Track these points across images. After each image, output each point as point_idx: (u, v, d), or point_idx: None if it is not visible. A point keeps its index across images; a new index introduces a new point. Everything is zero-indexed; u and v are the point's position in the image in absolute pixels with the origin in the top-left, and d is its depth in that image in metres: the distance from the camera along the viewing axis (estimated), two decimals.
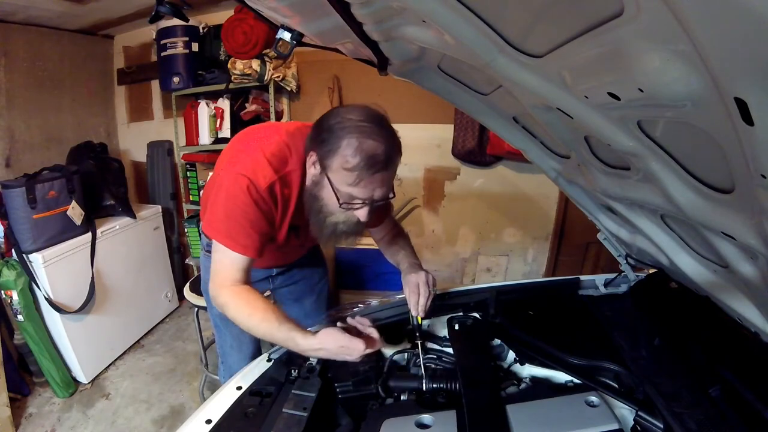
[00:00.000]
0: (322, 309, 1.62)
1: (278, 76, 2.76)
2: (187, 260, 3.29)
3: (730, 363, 0.89)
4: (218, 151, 2.88)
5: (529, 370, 1.04)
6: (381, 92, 2.62)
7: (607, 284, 1.36)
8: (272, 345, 1.13)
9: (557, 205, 2.83)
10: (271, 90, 2.80)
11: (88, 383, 2.49)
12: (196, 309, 2.18)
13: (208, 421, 0.92)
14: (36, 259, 2.22)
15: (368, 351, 0.98)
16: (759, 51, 0.31)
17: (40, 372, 2.36)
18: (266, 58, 2.69)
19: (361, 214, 1.04)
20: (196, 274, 2.94)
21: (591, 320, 1.21)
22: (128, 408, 2.33)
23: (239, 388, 1.03)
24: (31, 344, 2.29)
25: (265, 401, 0.97)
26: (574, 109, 0.67)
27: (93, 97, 3.29)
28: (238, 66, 2.66)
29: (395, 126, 1.03)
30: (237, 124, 2.91)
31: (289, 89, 2.89)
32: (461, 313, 1.27)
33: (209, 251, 1.39)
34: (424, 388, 0.98)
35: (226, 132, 2.91)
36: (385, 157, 0.96)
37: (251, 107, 2.93)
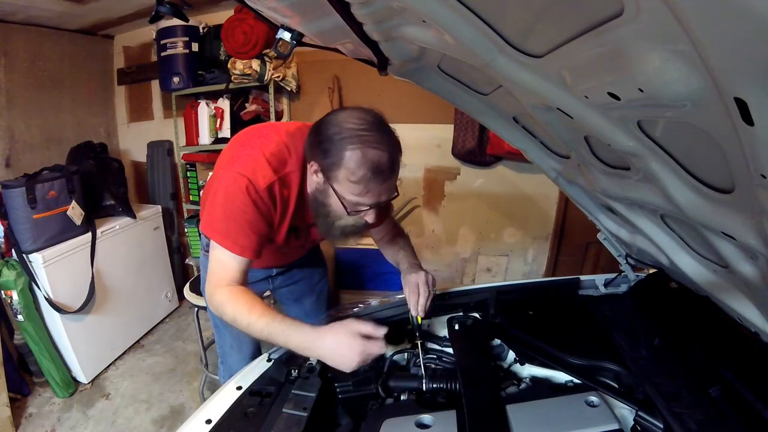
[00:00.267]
0: (322, 309, 1.62)
1: (278, 76, 2.76)
2: (187, 260, 3.29)
3: (730, 363, 0.89)
4: (218, 151, 2.88)
5: (529, 370, 1.04)
6: (381, 92, 2.63)
7: (607, 284, 1.36)
8: (272, 345, 1.13)
9: (557, 205, 2.83)
10: (271, 90, 2.80)
11: (88, 383, 2.49)
12: (196, 309, 2.18)
13: (208, 421, 0.92)
14: (36, 259, 2.22)
15: (372, 354, 0.95)
16: (759, 51, 0.31)
17: (40, 372, 2.36)
18: (266, 58, 2.69)
19: (369, 217, 1.05)
20: (196, 274, 2.93)
21: (591, 320, 1.21)
22: (128, 408, 2.33)
23: (239, 388, 1.03)
24: (31, 344, 2.29)
25: (265, 401, 0.97)
26: (574, 109, 0.67)
27: (93, 97, 3.29)
28: (238, 66, 2.66)
29: (395, 126, 1.02)
30: (237, 124, 2.91)
31: (289, 89, 2.89)
32: (461, 313, 1.27)
33: (209, 251, 1.40)
34: (424, 388, 0.98)
35: (226, 132, 2.91)
36: (389, 164, 0.96)
37: (251, 107, 2.93)
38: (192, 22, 2.79)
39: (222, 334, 1.51)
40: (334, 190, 0.99)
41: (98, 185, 2.72)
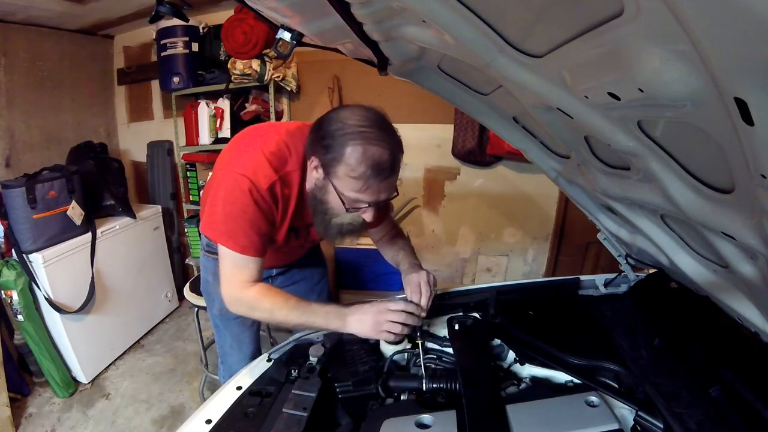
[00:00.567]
0: None
1: (278, 76, 2.76)
2: (187, 260, 3.29)
3: (730, 363, 0.89)
4: (218, 151, 2.87)
5: (529, 370, 1.04)
6: (381, 92, 2.62)
7: (607, 284, 1.36)
8: (272, 345, 1.14)
9: (557, 205, 2.82)
10: (271, 90, 2.80)
11: (88, 383, 2.50)
12: (196, 309, 2.18)
13: (208, 421, 0.92)
14: (36, 259, 2.22)
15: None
16: (759, 51, 0.31)
17: (40, 372, 2.36)
18: (266, 58, 2.69)
19: (367, 215, 1.05)
20: (196, 274, 2.94)
21: (591, 320, 1.21)
22: (128, 408, 2.33)
23: (239, 388, 1.03)
24: (31, 344, 2.29)
25: (265, 401, 0.97)
26: (574, 109, 0.67)
27: (93, 97, 3.29)
28: (238, 66, 2.66)
29: (395, 126, 1.03)
30: (237, 124, 2.91)
31: (289, 89, 2.89)
32: (461, 313, 1.27)
33: (209, 251, 1.40)
34: (424, 388, 0.98)
35: (226, 132, 2.91)
36: (390, 162, 0.97)
37: (251, 107, 2.93)
38: (192, 22, 2.79)
39: (222, 334, 1.50)
40: (333, 186, 1.00)
41: (98, 185, 2.72)
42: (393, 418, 0.87)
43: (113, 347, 2.71)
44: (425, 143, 2.86)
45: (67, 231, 2.38)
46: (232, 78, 2.74)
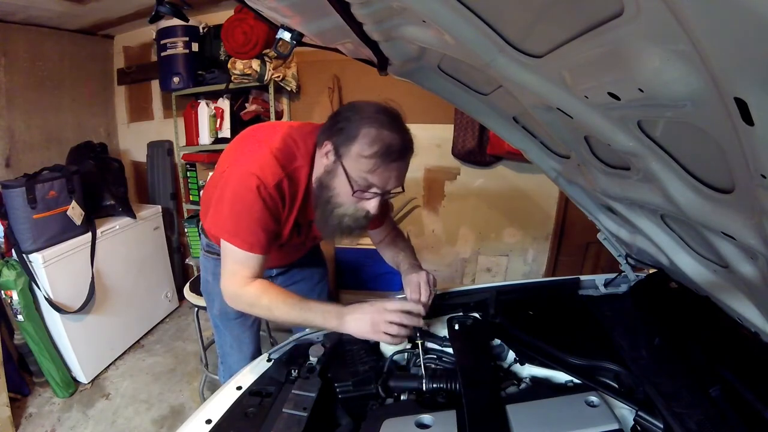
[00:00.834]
0: None
1: (278, 76, 2.76)
2: (187, 260, 3.29)
3: (730, 363, 0.89)
4: (218, 151, 2.88)
5: (529, 370, 1.04)
6: (381, 92, 2.60)
7: (607, 284, 1.36)
8: (272, 345, 1.14)
9: (557, 205, 2.82)
10: (271, 90, 2.80)
11: (88, 383, 2.50)
12: (196, 309, 2.18)
13: (208, 421, 0.92)
14: (36, 259, 2.22)
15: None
16: (759, 51, 0.31)
17: (40, 372, 2.36)
18: (266, 58, 2.69)
19: (371, 205, 1.04)
20: (196, 274, 2.94)
21: (591, 320, 1.21)
22: (128, 408, 2.33)
23: (239, 388, 1.03)
24: (31, 344, 2.29)
25: (265, 401, 0.97)
26: (574, 109, 0.67)
27: (93, 97, 3.29)
28: (238, 66, 2.66)
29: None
30: (237, 124, 2.91)
31: (289, 89, 2.89)
32: (461, 313, 1.27)
33: (209, 251, 1.40)
34: (424, 388, 0.98)
35: (226, 132, 2.91)
36: (401, 147, 0.99)
37: (251, 107, 2.93)
38: (192, 22, 2.78)
39: (222, 334, 1.50)
40: (343, 167, 1.00)
41: (98, 185, 2.72)
42: (393, 418, 0.87)
43: (113, 347, 2.71)
44: (425, 143, 2.86)
45: (67, 231, 2.38)
46: (232, 78, 2.74)
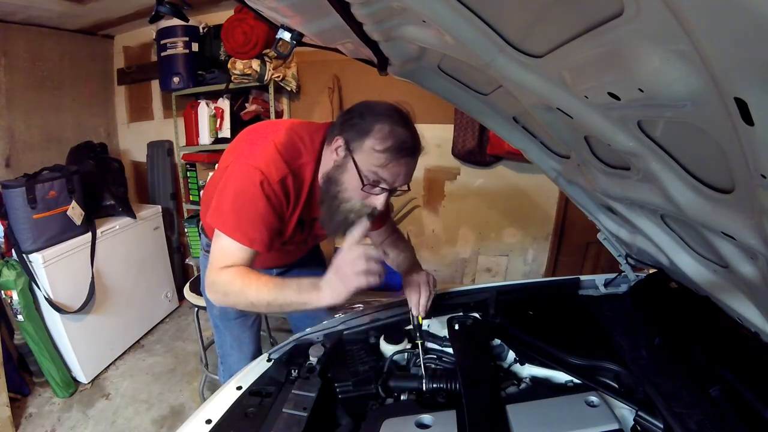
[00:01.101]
0: (323, 309, 1.62)
1: (278, 76, 2.76)
2: (187, 260, 3.29)
3: (730, 363, 0.89)
4: (218, 151, 2.89)
5: (529, 370, 1.04)
6: (381, 92, 2.61)
7: (607, 284, 1.36)
8: (272, 345, 1.13)
9: (557, 205, 2.82)
10: (271, 90, 2.80)
11: (88, 383, 2.50)
12: (196, 309, 2.18)
13: (208, 421, 0.92)
14: (36, 259, 2.22)
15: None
16: (759, 51, 0.31)
17: (40, 372, 2.36)
18: (266, 58, 2.69)
19: (379, 201, 1.04)
20: (196, 274, 2.93)
21: (591, 320, 1.21)
22: (128, 408, 2.33)
23: (239, 388, 1.03)
24: (31, 344, 2.29)
25: (265, 401, 0.97)
26: (574, 109, 0.67)
27: (93, 97, 3.29)
28: (238, 66, 2.66)
29: None
30: (237, 124, 2.91)
31: (289, 89, 2.89)
32: (461, 313, 1.27)
33: (209, 251, 1.39)
34: (424, 388, 0.98)
35: (226, 132, 2.91)
36: (413, 144, 1.02)
37: (251, 107, 2.93)
38: (192, 22, 2.78)
39: (222, 334, 1.51)
40: (354, 162, 1.00)
41: (98, 185, 2.72)
42: (393, 418, 0.87)
43: (113, 347, 2.71)
44: (425, 143, 2.84)
45: (67, 231, 2.38)
46: (232, 78, 2.74)
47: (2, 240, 2.26)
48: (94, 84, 3.29)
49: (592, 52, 0.50)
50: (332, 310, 1.46)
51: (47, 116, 2.94)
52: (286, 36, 0.93)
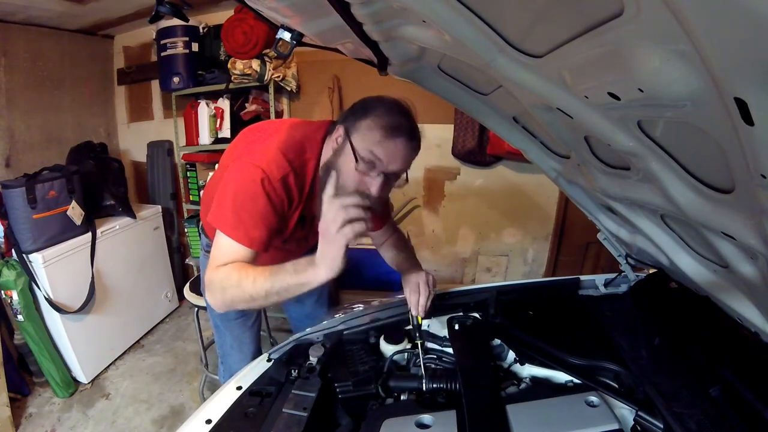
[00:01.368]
0: (323, 309, 1.62)
1: (278, 76, 2.76)
2: (187, 260, 3.29)
3: (730, 363, 0.89)
4: (218, 151, 2.89)
5: (529, 370, 1.04)
6: (381, 92, 2.60)
7: (607, 284, 1.36)
8: (272, 345, 1.13)
9: (557, 205, 2.83)
10: (271, 90, 2.80)
11: (88, 383, 2.50)
12: (196, 309, 2.18)
13: (208, 421, 0.92)
14: (36, 259, 2.22)
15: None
16: (759, 51, 0.31)
17: (40, 372, 2.36)
18: (266, 58, 2.69)
19: (374, 185, 1.01)
20: (196, 274, 2.93)
21: (591, 320, 1.21)
22: (128, 408, 2.33)
23: (239, 388, 1.03)
24: (31, 344, 2.29)
25: (265, 401, 0.97)
26: (574, 109, 0.67)
27: (93, 97, 3.29)
28: (238, 66, 2.66)
29: None
30: (237, 124, 2.91)
31: (289, 89, 2.89)
32: (461, 313, 1.27)
33: (209, 251, 1.39)
34: (424, 388, 0.98)
35: (226, 132, 2.91)
36: (410, 128, 1.03)
37: (251, 107, 2.93)
38: (192, 22, 2.78)
39: (222, 334, 1.51)
40: (351, 143, 1.00)
41: (98, 185, 2.72)
42: (393, 418, 0.87)
43: (113, 347, 2.71)
44: (425, 143, 2.80)
45: (67, 231, 2.38)
46: (232, 78, 2.74)
47: (2, 240, 2.26)
48: (94, 84, 3.29)
49: (592, 52, 0.50)
50: (332, 309, 1.47)
51: (47, 116, 2.94)
52: (286, 36, 0.93)
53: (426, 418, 0.86)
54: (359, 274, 2.93)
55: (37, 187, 2.22)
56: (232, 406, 0.97)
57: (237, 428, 0.91)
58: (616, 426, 0.77)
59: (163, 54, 2.83)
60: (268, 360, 1.12)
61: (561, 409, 0.83)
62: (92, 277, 2.46)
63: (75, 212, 2.40)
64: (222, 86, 2.80)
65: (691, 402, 0.85)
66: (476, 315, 1.26)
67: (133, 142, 3.53)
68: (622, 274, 1.36)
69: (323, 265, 0.90)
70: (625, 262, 1.33)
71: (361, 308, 1.31)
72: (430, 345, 1.17)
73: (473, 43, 0.65)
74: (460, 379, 0.96)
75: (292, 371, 1.04)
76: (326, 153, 1.09)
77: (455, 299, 1.33)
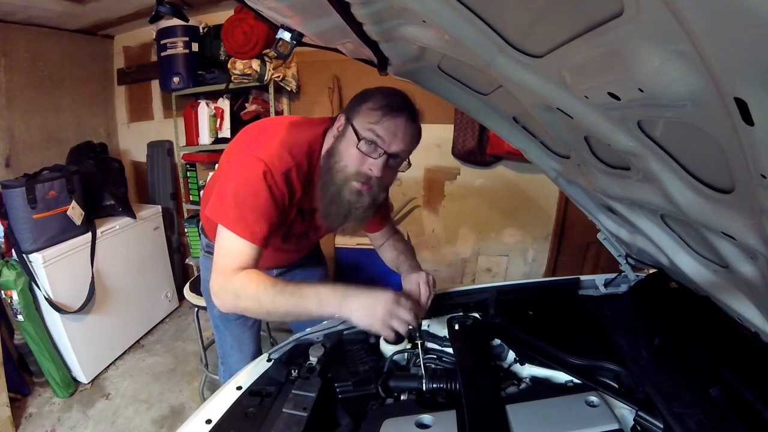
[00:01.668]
0: None
1: (278, 76, 2.76)
2: (187, 260, 3.29)
3: (730, 363, 0.89)
4: (218, 151, 2.89)
5: (529, 370, 1.04)
6: None
7: (607, 284, 1.36)
8: (272, 345, 1.13)
9: (557, 205, 2.83)
10: (271, 90, 2.80)
11: (88, 383, 2.50)
12: (196, 309, 2.18)
13: (208, 421, 0.92)
14: (36, 259, 2.22)
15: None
16: (759, 51, 0.31)
17: (40, 372, 2.36)
18: (266, 58, 2.69)
19: (375, 165, 1.01)
20: (196, 274, 2.94)
21: (591, 320, 1.21)
22: (128, 408, 2.33)
23: (239, 388, 1.03)
24: (31, 344, 2.29)
25: (265, 401, 0.97)
26: (574, 109, 0.67)
27: (93, 97, 3.29)
28: (238, 66, 2.67)
29: None
30: (237, 124, 2.91)
31: (289, 89, 2.89)
32: (461, 313, 1.26)
33: (209, 252, 1.40)
34: (424, 388, 0.98)
35: (226, 132, 2.91)
36: (410, 114, 1.03)
37: (251, 107, 2.93)
38: (192, 22, 2.79)
39: (222, 334, 1.50)
40: (352, 125, 1.01)
41: (98, 185, 2.72)
42: (393, 418, 0.87)
43: (113, 347, 2.71)
44: (425, 143, 2.82)
45: (67, 231, 2.38)
46: (232, 78, 2.74)
47: (2, 240, 2.26)
48: (94, 84, 3.29)
49: (592, 52, 0.50)
50: None
51: (47, 116, 2.94)
52: (286, 36, 0.93)
53: (426, 418, 0.86)
54: (359, 274, 2.93)
55: (37, 187, 2.22)
56: (232, 406, 0.97)
57: (237, 428, 0.91)
58: (616, 426, 0.77)
59: (163, 54, 2.83)
60: (268, 360, 1.12)
61: (561, 409, 0.83)
62: (92, 277, 2.46)
63: (75, 212, 2.40)
64: (222, 86, 2.80)
65: (691, 402, 0.85)
66: (476, 315, 1.26)
67: (133, 142, 3.54)
68: (622, 274, 1.36)
69: (355, 313, 0.97)
70: (625, 262, 1.33)
71: None
72: (430, 345, 1.17)
73: (473, 43, 0.65)
74: (460, 379, 0.95)
75: (292, 371, 1.04)
76: (328, 139, 1.11)
77: (455, 299, 1.33)
